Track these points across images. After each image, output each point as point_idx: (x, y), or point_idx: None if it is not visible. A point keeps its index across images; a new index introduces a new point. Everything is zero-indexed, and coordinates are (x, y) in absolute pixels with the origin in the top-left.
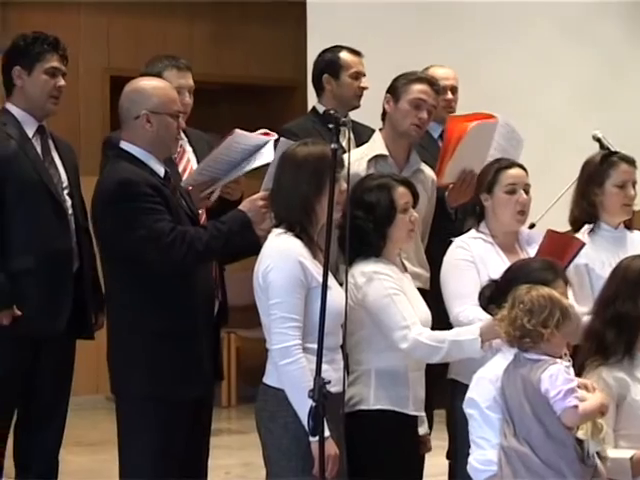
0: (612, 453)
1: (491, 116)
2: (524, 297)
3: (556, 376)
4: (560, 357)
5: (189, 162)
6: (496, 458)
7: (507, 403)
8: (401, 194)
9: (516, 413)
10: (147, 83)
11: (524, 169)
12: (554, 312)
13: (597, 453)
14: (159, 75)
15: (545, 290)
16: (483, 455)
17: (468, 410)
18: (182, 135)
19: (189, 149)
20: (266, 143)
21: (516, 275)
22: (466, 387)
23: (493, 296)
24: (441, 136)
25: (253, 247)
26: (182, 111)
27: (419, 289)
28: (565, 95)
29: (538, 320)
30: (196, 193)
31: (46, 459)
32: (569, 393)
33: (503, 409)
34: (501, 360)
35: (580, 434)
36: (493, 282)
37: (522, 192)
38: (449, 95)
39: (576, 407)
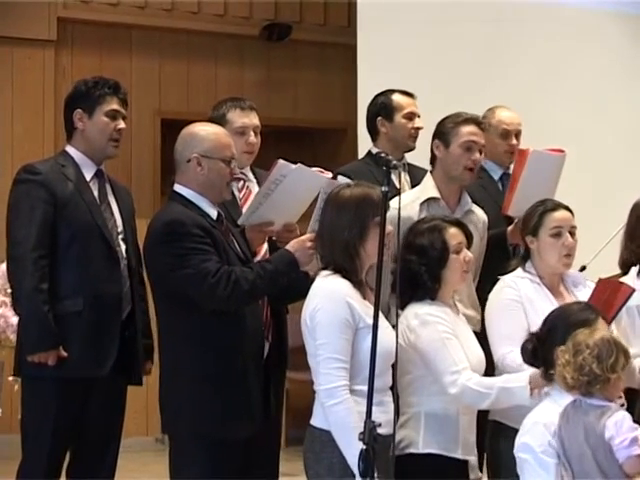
0: None
1: (559, 150)
2: (588, 342)
3: (621, 423)
4: (619, 397)
5: None
6: None
7: (565, 447)
8: (453, 235)
9: (575, 458)
10: (202, 128)
11: (570, 211)
12: (619, 356)
13: None
14: (223, 117)
15: (605, 333)
16: None
17: (521, 455)
18: (250, 176)
19: (257, 190)
20: (316, 178)
21: (556, 322)
22: (509, 429)
23: (536, 349)
24: (501, 178)
25: (302, 288)
26: (235, 157)
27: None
28: (617, 135)
29: (607, 365)
30: (252, 233)
31: None
32: (634, 442)
33: (560, 453)
34: (551, 404)
35: None
36: (533, 335)
37: (568, 235)
38: (513, 140)
39: (639, 456)
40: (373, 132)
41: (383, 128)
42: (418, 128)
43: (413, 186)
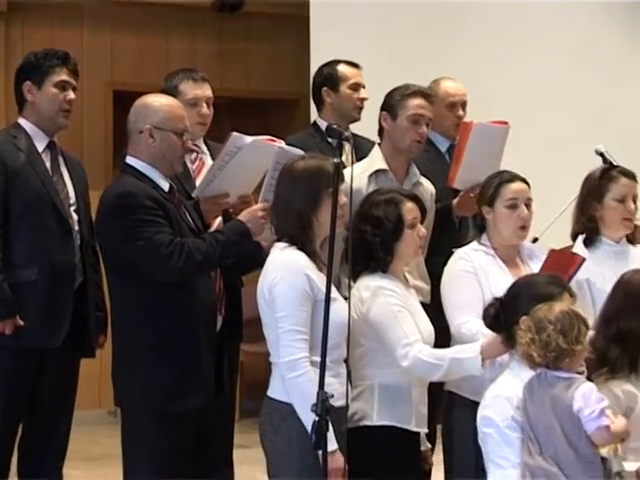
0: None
1: (503, 122)
2: (550, 317)
3: (589, 395)
4: (581, 373)
5: None
6: (518, 477)
7: (531, 421)
8: (409, 209)
9: (542, 431)
10: (155, 99)
11: (526, 183)
12: (581, 326)
13: (618, 473)
14: (175, 88)
15: (563, 306)
16: (505, 475)
17: (484, 429)
18: (203, 148)
19: (210, 162)
20: (267, 149)
21: (520, 291)
22: (462, 399)
23: (498, 314)
24: (449, 150)
25: (256, 259)
26: (188, 130)
27: (420, 303)
28: (568, 109)
29: (571, 338)
30: (206, 205)
31: (49, 474)
32: (602, 412)
33: (525, 427)
34: (511, 378)
35: (602, 452)
36: (497, 300)
37: (523, 207)
38: (460, 111)
39: (608, 427)
40: (318, 103)
41: (328, 99)
42: (363, 99)
43: (358, 157)
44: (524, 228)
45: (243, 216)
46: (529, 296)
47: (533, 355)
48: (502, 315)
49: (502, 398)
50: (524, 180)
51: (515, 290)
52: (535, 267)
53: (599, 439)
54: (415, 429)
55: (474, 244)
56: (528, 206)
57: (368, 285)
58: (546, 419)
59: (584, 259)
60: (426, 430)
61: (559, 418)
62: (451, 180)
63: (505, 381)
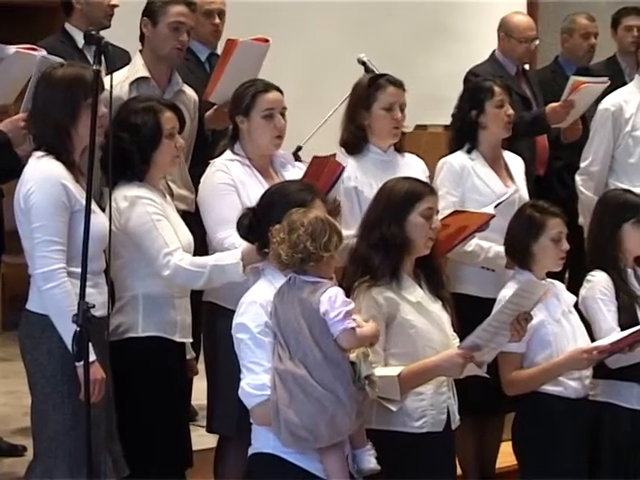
0: (381, 371)
1: (265, 40)
2: (303, 220)
3: (335, 297)
4: (331, 279)
5: None
6: (270, 382)
7: (281, 326)
8: (167, 119)
9: (292, 336)
10: None
11: (280, 92)
12: (332, 235)
13: (367, 377)
14: None
15: (319, 213)
16: (257, 380)
17: (238, 335)
18: None
19: None
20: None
21: (273, 199)
22: (225, 309)
23: (252, 224)
24: (209, 59)
25: (14, 169)
26: None
27: (184, 211)
28: (334, 19)
29: (320, 243)
30: None
31: None
32: (348, 315)
33: (277, 332)
34: (266, 284)
35: (352, 357)
36: (250, 210)
37: (279, 117)
38: (216, 19)
39: (354, 329)
40: (67, 8)
41: (78, 5)
42: (114, 5)
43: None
44: (280, 137)
45: (4, 126)
46: (282, 204)
47: (281, 254)
48: (255, 225)
49: (257, 304)
50: (278, 89)
51: (268, 199)
52: (288, 174)
53: (345, 342)
54: (180, 339)
55: (229, 154)
56: (282, 115)
57: (125, 195)
58: (295, 323)
59: (343, 167)
60: (191, 339)
61: (307, 321)
62: (207, 94)
63: (260, 288)
